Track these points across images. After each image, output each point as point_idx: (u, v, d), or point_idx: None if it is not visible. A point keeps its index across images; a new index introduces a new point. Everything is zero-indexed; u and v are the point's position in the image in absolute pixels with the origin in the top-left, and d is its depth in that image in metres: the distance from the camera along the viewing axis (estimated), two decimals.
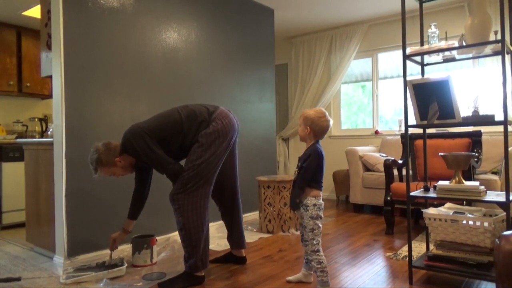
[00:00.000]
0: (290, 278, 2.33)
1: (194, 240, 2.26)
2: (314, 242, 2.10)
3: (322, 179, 2.16)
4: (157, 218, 3.21)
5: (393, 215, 3.46)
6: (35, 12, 4.01)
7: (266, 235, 3.44)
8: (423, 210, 2.33)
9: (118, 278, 2.41)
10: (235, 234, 2.68)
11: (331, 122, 2.19)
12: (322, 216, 2.14)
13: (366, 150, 4.57)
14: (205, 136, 2.31)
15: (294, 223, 3.55)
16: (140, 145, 2.29)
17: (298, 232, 3.51)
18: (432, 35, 2.36)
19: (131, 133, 2.33)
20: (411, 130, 3.78)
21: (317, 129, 2.13)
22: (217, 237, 3.39)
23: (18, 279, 2.40)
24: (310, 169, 2.10)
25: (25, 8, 3.99)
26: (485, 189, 2.14)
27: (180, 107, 2.45)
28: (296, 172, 2.17)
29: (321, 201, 2.15)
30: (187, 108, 2.42)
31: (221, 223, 3.81)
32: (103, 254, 2.77)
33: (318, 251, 2.10)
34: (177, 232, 3.32)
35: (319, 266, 2.08)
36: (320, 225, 2.13)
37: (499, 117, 2.06)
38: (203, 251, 2.30)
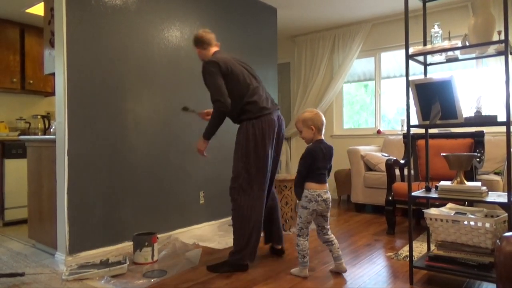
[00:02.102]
0: (331, 268, 2.50)
1: (245, 232, 2.50)
2: (299, 228, 2.39)
3: (319, 171, 2.35)
4: (158, 216, 3.22)
5: (395, 215, 3.46)
6: (38, 9, 4.02)
7: None
8: (424, 210, 2.32)
9: (119, 275, 2.42)
10: (274, 228, 2.82)
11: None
12: (310, 208, 2.34)
13: (368, 149, 4.56)
14: (245, 140, 2.54)
15: (295, 222, 3.54)
16: (210, 69, 2.56)
17: None
18: (435, 34, 2.35)
19: (210, 60, 2.59)
20: (413, 130, 3.75)
21: (319, 124, 2.38)
22: (219, 235, 3.40)
23: (22, 274, 2.42)
24: (304, 168, 2.36)
25: (28, 5, 3.99)
26: (487, 190, 2.13)
27: (258, 86, 2.68)
28: None
29: (315, 192, 2.34)
30: (258, 90, 2.65)
31: (222, 221, 3.82)
32: (105, 251, 2.79)
33: (298, 235, 2.39)
34: (177, 230, 3.35)
35: (297, 247, 2.39)
36: (307, 216, 2.36)
37: (502, 117, 2.06)
38: (252, 245, 2.51)
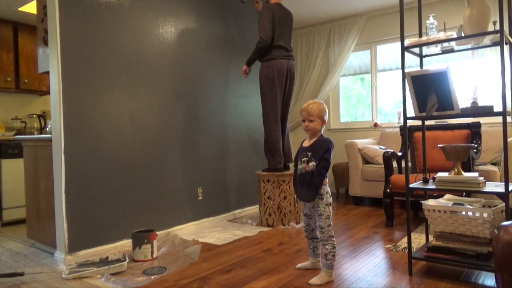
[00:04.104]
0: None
1: (271, 149, 3.59)
2: (330, 228, 2.22)
3: None
4: (157, 213, 3.21)
5: (393, 207, 3.47)
6: (31, 7, 3.98)
7: (266, 229, 3.45)
8: (422, 201, 2.33)
9: (119, 273, 2.42)
10: (285, 150, 3.72)
11: None
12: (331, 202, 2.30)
13: (365, 142, 4.57)
14: (264, 80, 3.55)
15: (294, 217, 3.55)
16: (263, 11, 3.55)
17: (298, 226, 3.52)
18: (431, 26, 2.34)
19: (267, 5, 3.57)
20: (410, 122, 3.78)
21: (326, 118, 2.31)
22: (218, 231, 3.40)
23: (22, 274, 2.42)
24: (330, 161, 2.24)
25: (21, 3, 3.96)
26: (484, 180, 2.14)
27: (281, 34, 3.58)
28: (314, 164, 2.21)
29: (327, 186, 2.28)
30: (281, 37, 3.57)
31: (221, 217, 3.83)
32: (104, 249, 2.79)
33: (333, 236, 2.23)
34: (176, 227, 3.35)
35: (332, 250, 2.20)
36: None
37: (498, 108, 2.06)
38: (276, 160, 3.59)
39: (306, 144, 2.32)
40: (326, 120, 2.29)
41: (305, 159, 2.26)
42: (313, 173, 2.21)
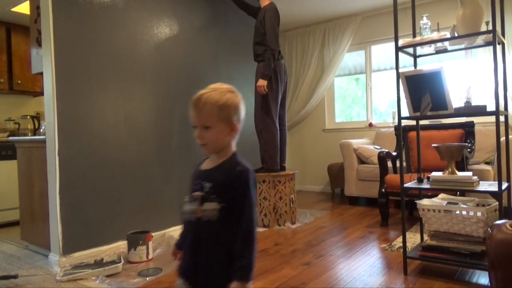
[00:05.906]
0: None
1: (270, 149, 3.56)
2: None
3: None
4: (152, 214, 3.20)
5: (388, 207, 3.49)
6: (24, 8, 3.95)
7: (261, 229, 3.45)
8: (417, 201, 2.34)
9: (114, 275, 2.41)
10: (282, 150, 3.73)
11: None
12: None
13: (360, 142, 4.58)
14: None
15: (289, 217, 3.56)
16: (273, 15, 3.47)
17: (294, 226, 3.52)
18: (424, 26, 2.36)
19: (275, 8, 3.54)
20: (404, 122, 3.79)
21: (242, 118, 1.25)
22: None
23: (15, 276, 2.40)
24: (254, 206, 1.16)
25: (14, 4, 3.93)
26: (478, 179, 2.15)
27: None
28: (216, 207, 1.16)
29: None
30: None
31: None
32: (99, 251, 2.77)
33: None
34: (172, 228, 3.34)
35: None
36: None
37: (491, 107, 2.08)
38: (275, 156, 3.59)
39: (207, 166, 1.28)
40: (239, 123, 1.21)
41: (198, 194, 1.23)
42: (213, 224, 1.14)
